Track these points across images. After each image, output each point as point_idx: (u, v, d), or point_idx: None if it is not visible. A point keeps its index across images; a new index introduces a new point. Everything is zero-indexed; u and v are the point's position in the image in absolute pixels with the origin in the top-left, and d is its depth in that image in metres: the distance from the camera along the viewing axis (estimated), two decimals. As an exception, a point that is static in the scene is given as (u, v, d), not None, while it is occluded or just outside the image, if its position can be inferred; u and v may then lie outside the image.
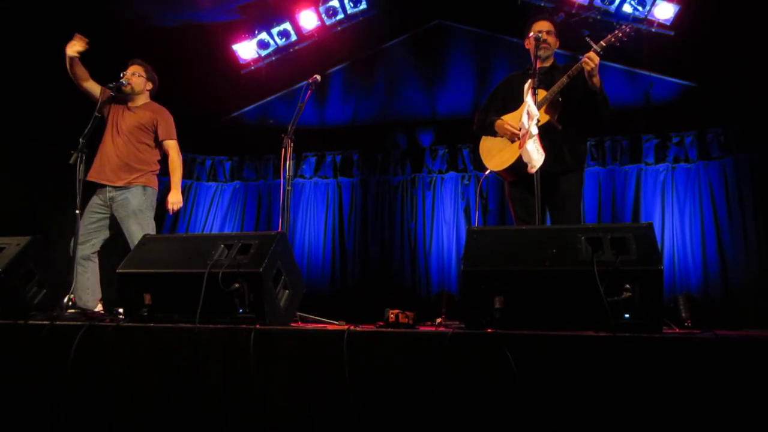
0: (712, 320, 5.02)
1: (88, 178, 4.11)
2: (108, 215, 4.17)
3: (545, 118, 3.49)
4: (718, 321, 5.17)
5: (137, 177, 4.19)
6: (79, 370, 2.45)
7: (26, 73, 5.48)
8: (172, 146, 4.34)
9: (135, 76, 4.33)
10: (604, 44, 3.47)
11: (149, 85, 4.43)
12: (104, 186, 4.18)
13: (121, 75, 4.31)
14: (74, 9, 5.27)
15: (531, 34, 3.68)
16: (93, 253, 4.13)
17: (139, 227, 4.06)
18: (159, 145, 4.35)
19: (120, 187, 4.15)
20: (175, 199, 4.27)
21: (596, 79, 3.47)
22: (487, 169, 3.87)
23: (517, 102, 3.68)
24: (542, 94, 3.49)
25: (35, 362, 2.52)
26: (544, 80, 3.53)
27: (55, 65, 4.25)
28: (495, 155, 3.77)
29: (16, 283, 2.93)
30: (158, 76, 4.52)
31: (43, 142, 5.55)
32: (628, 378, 1.96)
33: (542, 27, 3.79)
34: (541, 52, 3.66)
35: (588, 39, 3.49)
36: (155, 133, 4.31)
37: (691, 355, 1.95)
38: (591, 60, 3.40)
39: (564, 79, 3.48)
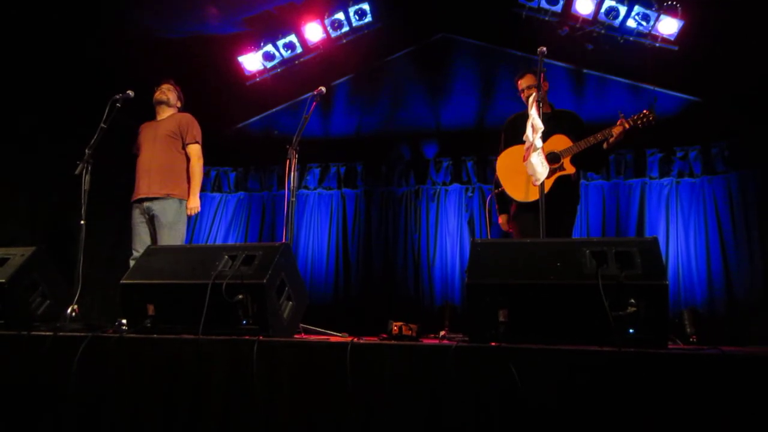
0: (717, 335, 5.00)
1: (133, 200, 4.28)
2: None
3: (572, 169, 3.81)
4: (723, 336, 5.14)
5: (174, 188, 4.29)
6: (82, 382, 2.45)
7: (38, 84, 5.51)
8: (193, 150, 4.43)
9: (170, 91, 4.54)
10: (632, 123, 3.86)
11: (179, 103, 4.62)
12: (141, 200, 4.27)
13: (156, 89, 4.51)
14: (84, 21, 5.30)
15: (520, 89, 4.09)
16: None
17: (171, 240, 4.16)
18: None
19: (157, 198, 4.23)
20: (193, 205, 4.35)
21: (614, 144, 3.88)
22: (500, 186, 3.96)
23: (519, 140, 3.81)
24: (562, 140, 3.82)
25: (38, 373, 2.52)
26: (546, 127, 3.60)
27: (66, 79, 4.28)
28: (518, 184, 3.86)
29: (20, 293, 2.94)
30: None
31: (55, 152, 5.55)
32: (633, 394, 1.95)
33: (525, 83, 4.07)
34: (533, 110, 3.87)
35: (621, 114, 3.92)
36: (182, 139, 4.41)
37: (697, 372, 1.93)
38: (622, 133, 3.82)
39: (591, 139, 3.82)
